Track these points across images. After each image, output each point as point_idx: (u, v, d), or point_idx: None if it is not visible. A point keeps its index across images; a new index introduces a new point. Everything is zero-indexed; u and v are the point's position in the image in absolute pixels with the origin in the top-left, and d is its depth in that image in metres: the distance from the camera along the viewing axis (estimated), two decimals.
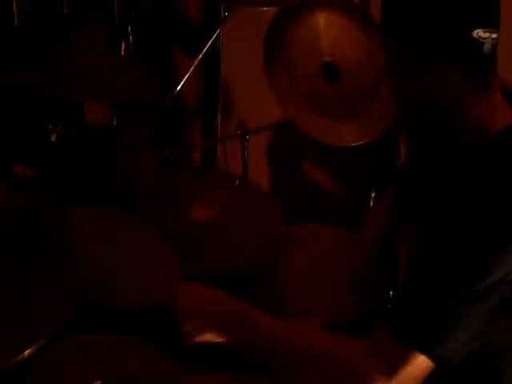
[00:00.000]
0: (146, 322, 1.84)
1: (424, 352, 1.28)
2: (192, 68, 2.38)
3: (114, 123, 2.61)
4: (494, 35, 1.30)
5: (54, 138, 2.33)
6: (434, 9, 1.30)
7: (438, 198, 1.40)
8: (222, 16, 2.50)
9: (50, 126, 2.38)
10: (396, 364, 1.28)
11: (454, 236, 1.29)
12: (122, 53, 2.62)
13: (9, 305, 1.50)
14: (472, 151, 1.36)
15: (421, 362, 1.29)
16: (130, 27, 2.61)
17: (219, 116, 2.82)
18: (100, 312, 1.73)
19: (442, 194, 1.39)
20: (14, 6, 2.46)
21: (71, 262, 1.65)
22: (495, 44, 1.31)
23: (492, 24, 1.30)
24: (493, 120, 1.35)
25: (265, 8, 2.40)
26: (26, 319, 1.47)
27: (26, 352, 1.36)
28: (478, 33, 1.28)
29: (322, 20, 2.30)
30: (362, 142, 2.30)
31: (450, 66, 1.31)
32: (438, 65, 1.32)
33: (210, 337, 1.40)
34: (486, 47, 1.29)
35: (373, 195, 2.50)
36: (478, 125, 1.35)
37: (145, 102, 2.36)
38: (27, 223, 1.68)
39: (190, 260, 1.88)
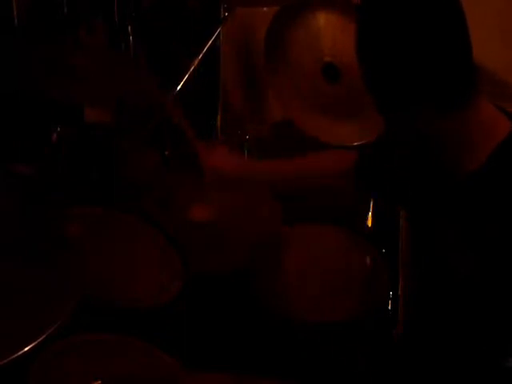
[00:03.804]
0: (145, 321, 1.84)
1: None
2: (192, 68, 2.38)
3: (114, 123, 2.60)
4: None
5: (54, 138, 2.33)
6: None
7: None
8: (222, 16, 2.50)
9: (50, 127, 2.38)
10: None
11: None
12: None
13: (9, 304, 1.50)
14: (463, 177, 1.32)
15: None
16: (129, 27, 2.61)
17: (219, 116, 2.82)
18: (100, 312, 1.73)
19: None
20: (14, 6, 2.46)
21: (71, 262, 1.65)
22: None
23: None
24: (481, 137, 1.29)
25: (265, 8, 2.40)
26: (26, 319, 1.47)
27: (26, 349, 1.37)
28: None
29: (322, 20, 2.30)
30: (362, 142, 2.30)
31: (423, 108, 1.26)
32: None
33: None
34: None
35: None
36: (460, 150, 1.30)
37: (145, 102, 2.36)
38: (27, 223, 1.69)
39: (190, 260, 1.88)
